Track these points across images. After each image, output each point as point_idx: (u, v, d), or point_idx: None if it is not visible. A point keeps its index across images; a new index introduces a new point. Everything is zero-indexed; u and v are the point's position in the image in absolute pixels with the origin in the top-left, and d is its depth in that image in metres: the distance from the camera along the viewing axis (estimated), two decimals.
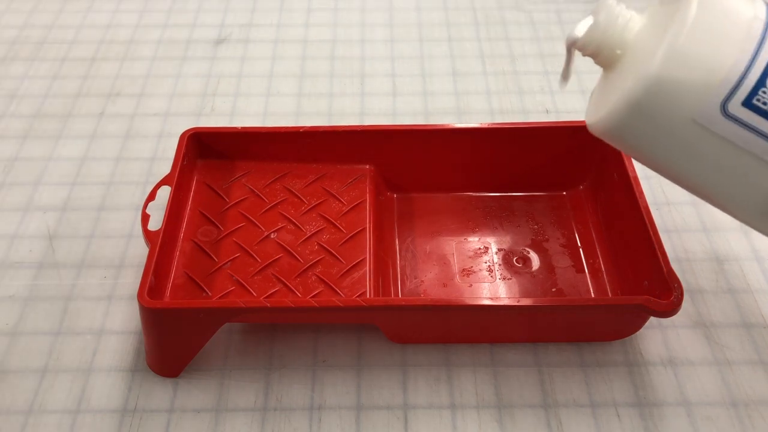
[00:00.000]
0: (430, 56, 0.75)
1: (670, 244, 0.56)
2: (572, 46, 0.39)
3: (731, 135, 0.33)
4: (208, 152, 0.57)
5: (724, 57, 0.33)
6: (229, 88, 0.72)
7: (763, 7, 0.34)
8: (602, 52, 0.37)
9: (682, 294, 0.45)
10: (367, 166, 0.58)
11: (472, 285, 0.53)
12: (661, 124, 0.34)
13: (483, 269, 0.54)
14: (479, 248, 0.56)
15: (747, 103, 0.33)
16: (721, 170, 0.35)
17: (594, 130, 0.38)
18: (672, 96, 0.33)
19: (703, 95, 0.33)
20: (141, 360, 0.50)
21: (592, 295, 0.52)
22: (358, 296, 0.49)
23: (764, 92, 0.32)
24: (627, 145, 0.37)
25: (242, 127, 0.56)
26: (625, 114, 0.35)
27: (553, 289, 0.53)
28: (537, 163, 0.57)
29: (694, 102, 0.33)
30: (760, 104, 0.33)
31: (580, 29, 0.38)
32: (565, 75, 0.42)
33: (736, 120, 0.33)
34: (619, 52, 0.37)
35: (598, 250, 0.55)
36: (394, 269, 0.54)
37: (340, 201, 0.55)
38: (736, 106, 0.33)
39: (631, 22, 0.37)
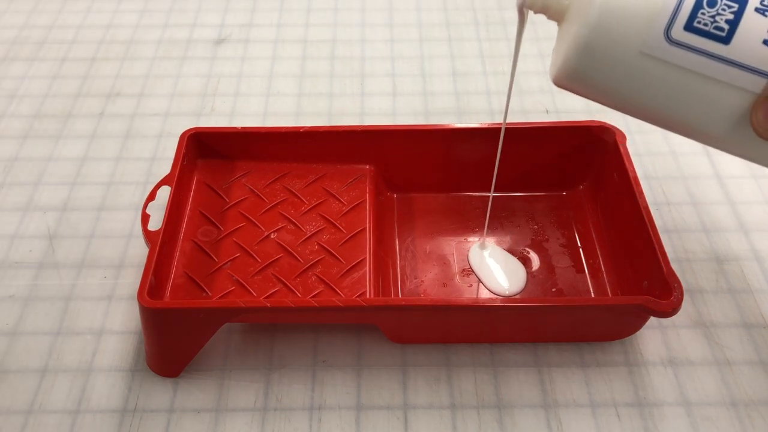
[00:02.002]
0: (430, 56, 0.75)
1: (670, 244, 0.56)
2: (522, 5, 0.40)
3: (681, 60, 0.34)
4: (208, 152, 0.57)
5: None
6: (229, 88, 0.72)
7: None
8: (551, 6, 0.39)
9: (682, 294, 0.45)
10: (367, 166, 0.58)
11: (472, 285, 0.53)
12: (613, 61, 0.36)
13: None
14: None
15: (689, 27, 0.34)
16: (680, 96, 0.36)
17: (557, 82, 0.39)
18: (617, 31, 0.35)
19: (645, 26, 0.34)
20: (141, 360, 0.50)
21: (592, 295, 0.52)
22: (358, 296, 0.49)
23: (703, 14, 0.33)
24: (589, 90, 0.39)
25: (242, 127, 0.56)
26: (578, 58, 0.36)
27: (553, 289, 0.53)
28: (537, 163, 0.57)
29: (638, 34, 0.34)
30: (701, 26, 0.34)
31: None
32: (518, 39, 0.44)
33: (682, 45, 0.34)
34: (565, 3, 0.38)
35: (598, 250, 0.55)
36: (394, 269, 0.54)
37: (340, 201, 0.55)
38: (679, 32, 0.34)
39: None
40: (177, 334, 0.47)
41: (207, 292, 0.50)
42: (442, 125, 0.57)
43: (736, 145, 0.37)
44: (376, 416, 0.47)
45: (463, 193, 0.59)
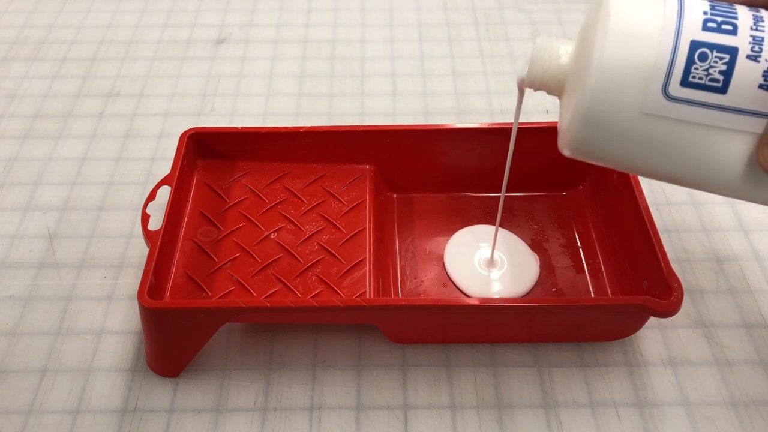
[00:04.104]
0: (430, 56, 0.75)
1: (670, 244, 0.56)
2: (522, 84, 0.41)
3: (682, 114, 0.35)
4: (208, 152, 0.57)
5: (649, 49, 0.34)
6: (229, 88, 0.72)
7: None
8: (549, 83, 0.40)
9: (682, 294, 0.45)
10: (367, 166, 0.58)
11: None
12: (616, 125, 0.36)
13: None
14: None
15: (685, 83, 0.34)
16: (686, 149, 0.36)
17: (565, 153, 0.40)
18: (615, 96, 0.35)
19: (643, 87, 0.35)
20: (141, 360, 0.50)
21: (592, 295, 0.52)
22: (358, 296, 0.49)
23: (696, 68, 0.34)
24: (600, 158, 0.40)
25: (242, 127, 0.56)
26: (581, 127, 0.37)
27: (553, 289, 0.53)
28: (537, 163, 0.57)
29: (637, 95, 0.35)
30: (697, 80, 0.34)
31: (525, 68, 0.40)
32: (518, 112, 0.45)
33: (681, 100, 0.35)
34: (561, 77, 0.39)
35: (598, 250, 0.55)
36: (394, 269, 0.54)
37: (340, 201, 0.55)
38: (676, 88, 0.34)
39: (564, 47, 0.39)
40: (177, 334, 0.47)
41: (207, 292, 0.50)
42: (442, 125, 0.56)
43: (749, 190, 0.37)
44: (376, 416, 0.47)
45: (463, 193, 0.59)
